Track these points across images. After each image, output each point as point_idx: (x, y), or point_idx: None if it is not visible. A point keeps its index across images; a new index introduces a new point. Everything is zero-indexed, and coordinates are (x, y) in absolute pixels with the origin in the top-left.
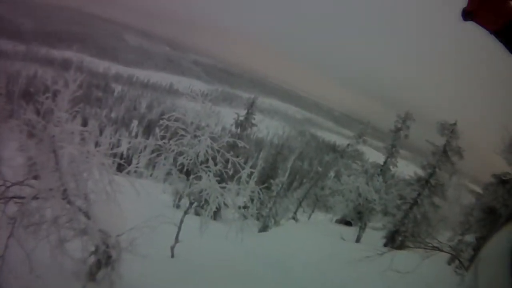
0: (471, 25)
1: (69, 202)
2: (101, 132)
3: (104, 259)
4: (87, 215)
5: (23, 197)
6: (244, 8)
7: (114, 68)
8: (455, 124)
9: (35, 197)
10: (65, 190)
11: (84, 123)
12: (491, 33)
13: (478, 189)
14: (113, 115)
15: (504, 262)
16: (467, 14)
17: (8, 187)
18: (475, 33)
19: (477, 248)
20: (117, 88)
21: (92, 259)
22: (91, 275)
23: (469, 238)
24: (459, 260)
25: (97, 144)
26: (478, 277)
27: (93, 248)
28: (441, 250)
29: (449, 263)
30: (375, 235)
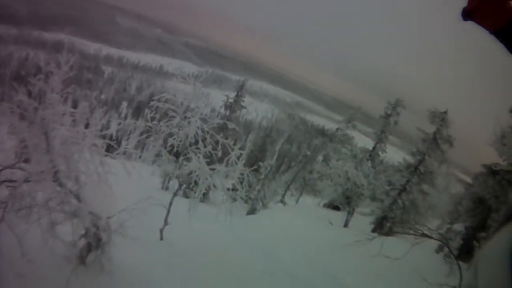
0: (471, 25)
1: (60, 185)
2: (91, 114)
3: (94, 242)
4: (77, 197)
5: (14, 181)
6: None
7: (105, 50)
8: (445, 112)
9: (26, 180)
10: (56, 172)
11: (74, 105)
12: (491, 33)
13: (468, 179)
14: (103, 96)
15: (504, 262)
16: (467, 14)
17: (0, 170)
18: (475, 33)
19: (466, 238)
20: (107, 70)
21: (82, 242)
22: (81, 258)
23: (458, 227)
24: (448, 248)
25: (87, 126)
26: (478, 277)
27: (83, 231)
28: (431, 237)
29: (437, 252)
30: (363, 221)
